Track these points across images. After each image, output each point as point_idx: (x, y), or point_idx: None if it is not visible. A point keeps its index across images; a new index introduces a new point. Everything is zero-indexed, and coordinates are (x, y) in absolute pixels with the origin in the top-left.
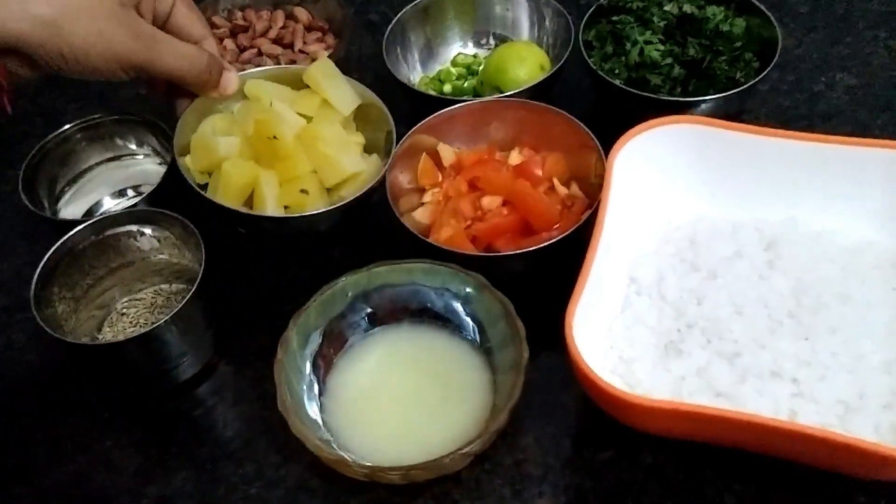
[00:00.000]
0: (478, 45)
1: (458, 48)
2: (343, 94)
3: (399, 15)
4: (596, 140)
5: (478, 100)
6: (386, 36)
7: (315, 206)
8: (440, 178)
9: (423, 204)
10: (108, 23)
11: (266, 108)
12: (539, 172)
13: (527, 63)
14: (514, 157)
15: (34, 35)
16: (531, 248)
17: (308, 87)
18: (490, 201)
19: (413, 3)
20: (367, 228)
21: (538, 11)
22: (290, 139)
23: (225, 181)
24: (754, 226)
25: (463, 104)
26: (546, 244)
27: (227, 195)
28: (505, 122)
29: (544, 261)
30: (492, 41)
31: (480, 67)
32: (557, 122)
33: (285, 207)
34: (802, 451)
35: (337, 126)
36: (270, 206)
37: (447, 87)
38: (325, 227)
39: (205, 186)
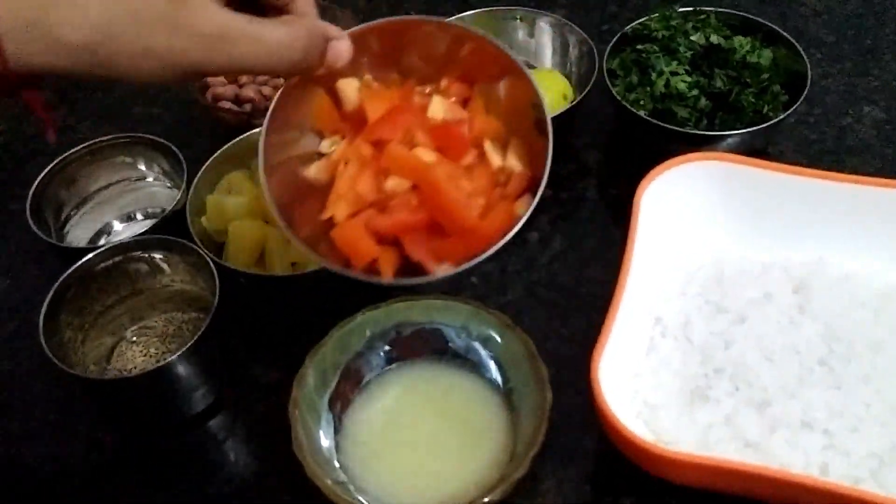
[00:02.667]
0: None
1: None
2: None
3: None
4: (525, 68)
5: (393, 18)
6: None
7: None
8: (341, 124)
9: (320, 155)
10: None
11: None
12: (466, 132)
13: (549, 92)
14: (437, 107)
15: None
16: (459, 269)
17: None
18: (396, 184)
19: None
20: None
21: (562, 38)
22: None
23: (233, 242)
24: (783, 266)
25: (374, 22)
26: (475, 262)
27: (236, 256)
28: (427, 49)
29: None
30: None
31: None
32: (479, 50)
33: (293, 265)
34: None
35: None
36: (278, 265)
37: None
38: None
39: (223, 244)
